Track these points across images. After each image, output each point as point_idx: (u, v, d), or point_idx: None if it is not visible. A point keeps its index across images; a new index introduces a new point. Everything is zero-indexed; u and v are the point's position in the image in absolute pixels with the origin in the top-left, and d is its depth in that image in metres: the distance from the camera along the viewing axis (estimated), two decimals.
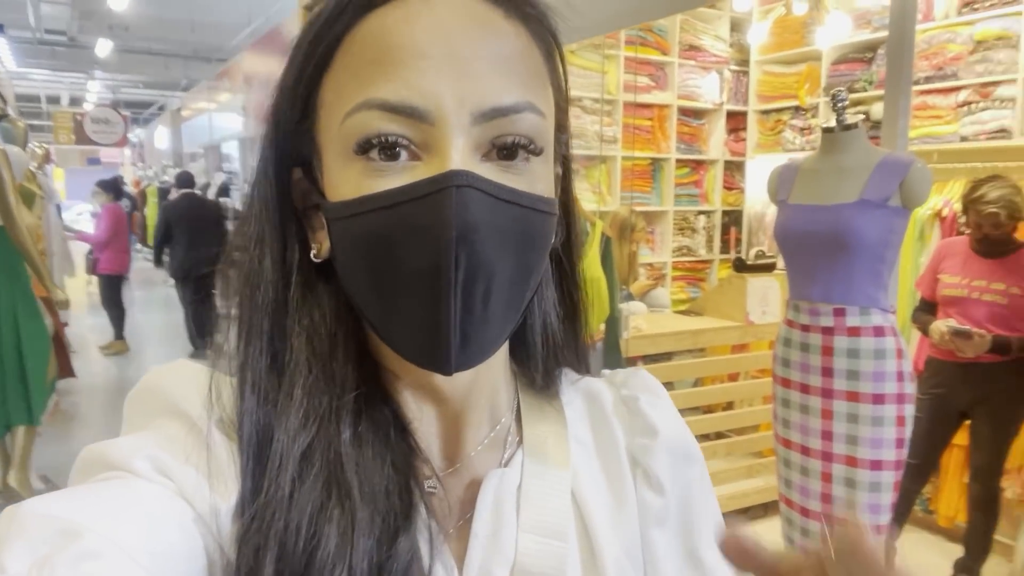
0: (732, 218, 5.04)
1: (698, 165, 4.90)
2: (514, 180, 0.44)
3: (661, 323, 3.53)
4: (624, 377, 0.59)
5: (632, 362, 3.09)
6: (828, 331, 2.02)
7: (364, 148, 0.43)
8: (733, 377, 3.80)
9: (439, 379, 0.49)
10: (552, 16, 0.49)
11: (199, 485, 0.43)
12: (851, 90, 4.01)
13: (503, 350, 0.53)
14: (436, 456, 0.51)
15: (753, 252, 3.78)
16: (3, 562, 0.35)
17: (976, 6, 3.48)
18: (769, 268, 3.65)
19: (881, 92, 3.70)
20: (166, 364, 0.50)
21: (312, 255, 0.48)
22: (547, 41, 0.48)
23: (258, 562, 0.42)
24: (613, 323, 2.97)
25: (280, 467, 0.44)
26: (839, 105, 2.03)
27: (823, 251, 2.00)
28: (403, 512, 0.45)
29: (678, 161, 4.75)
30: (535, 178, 0.45)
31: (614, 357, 2.95)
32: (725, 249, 5.02)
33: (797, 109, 4.49)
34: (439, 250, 0.41)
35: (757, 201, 4.84)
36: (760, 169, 4.66)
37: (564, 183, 0.53)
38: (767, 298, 3.65)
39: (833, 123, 2.06)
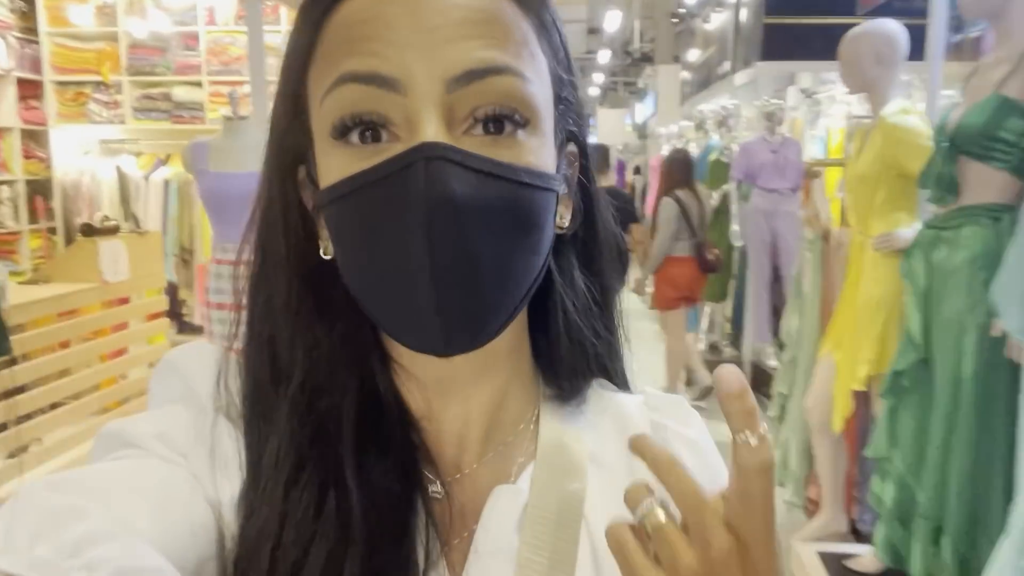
0: (38, 187, 4.98)
1: None
2: (500, 153, 0.42)
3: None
4: (661, 402, 0.55)
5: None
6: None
7: (342, 132, 0.42)
8: (64, 345, 3.85)
9: (446, 372, 0.47)
10: None
11: (207, 471, 0.45)
12: (152, 74, 4.69)
13: (521, 352, 0.52)
14: (444, 460, 0.49)
15: (98, 216, 4.08)
16: (12, 541, 0.35)
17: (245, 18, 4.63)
18: (115, 231, 4.03)
19: (178, 78, 4.55)
20: (186, 344, 0.52)
21: (322, 253, 0.47)
22: (539, 12, 0.46)
23: (253, 566, 0.43)
24: None
25: (276, 470, 0.44)
26: (235, 100, 2.82)
27: (240, 205, 2.76)
28: (402, 518, 0.44)
29: None
30: (524, 151, 0.43)
31: None
32: (34, 219, 4.94)
33: (99, 84, 4.81)
34: (414, 228, 0.39)
35: (71, 169, 4.94)
36: (66, 138, 4.81)
37: (582, 164, 0.51)
38: (118, 258, 4.03)
39: (231, 113, 2.85)
